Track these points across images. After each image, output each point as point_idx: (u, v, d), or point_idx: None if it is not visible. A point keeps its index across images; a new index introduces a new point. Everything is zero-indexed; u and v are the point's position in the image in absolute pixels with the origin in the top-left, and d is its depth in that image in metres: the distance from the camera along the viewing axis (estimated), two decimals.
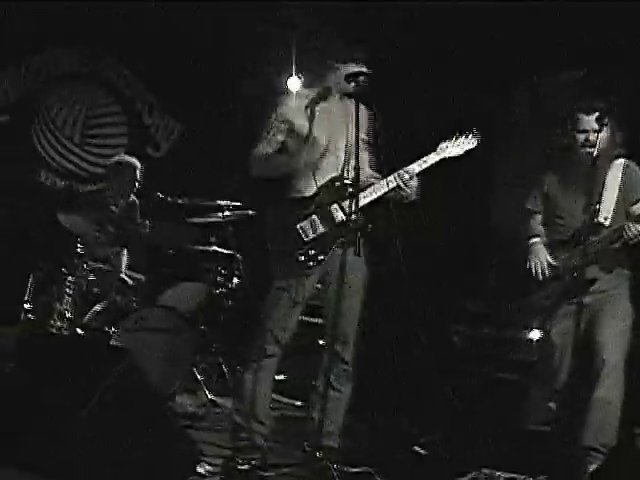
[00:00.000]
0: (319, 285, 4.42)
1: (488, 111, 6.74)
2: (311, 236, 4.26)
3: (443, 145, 4.34)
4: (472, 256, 6.81)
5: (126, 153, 6.93)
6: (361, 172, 4.17)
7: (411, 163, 4.31)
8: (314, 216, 4.29)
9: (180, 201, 6.24)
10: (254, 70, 6.83)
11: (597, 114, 4.47)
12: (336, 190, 4.32)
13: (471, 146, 4.35)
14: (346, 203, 4.19)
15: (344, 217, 4.21)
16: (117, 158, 6.62)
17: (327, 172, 4.37)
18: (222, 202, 6.24)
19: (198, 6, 6.94)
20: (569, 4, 6.10)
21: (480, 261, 6.89)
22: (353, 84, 4.16)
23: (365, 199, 4.23)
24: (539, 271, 4.65)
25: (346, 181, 4.31)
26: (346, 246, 4.02)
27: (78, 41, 7.56)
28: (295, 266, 4.23)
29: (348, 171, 4.34)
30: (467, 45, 6.61)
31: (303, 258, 4.23)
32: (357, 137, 4.05)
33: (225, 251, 6.29)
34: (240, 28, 6.80)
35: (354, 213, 4.03)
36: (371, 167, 4.52)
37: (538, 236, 4.80)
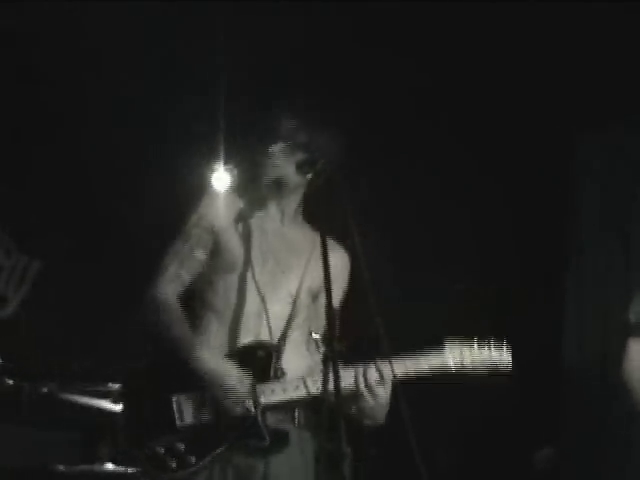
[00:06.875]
0: None
1: None
2: (185, 423, 3.10)
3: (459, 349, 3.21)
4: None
5: None
6: None
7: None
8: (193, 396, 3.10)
9: (45, 390, 4.33)
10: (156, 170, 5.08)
11: None
12: (258, 361, 3.17)
13: (504, 362, 3.30)
14: (273, 387, 3.09)
15: (253, 407, 3.08)
16: None
17: (250, 330, 3.19)
18: (113, 386, 4.40)
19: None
20: None
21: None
22: (308, 175, 3.18)
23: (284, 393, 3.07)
24: None
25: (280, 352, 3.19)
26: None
27: None
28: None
29: (285, 336, 3.21)
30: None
31: (171, 460, 3.05)
32: (328, 280, 2.80)
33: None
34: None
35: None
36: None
37: None
